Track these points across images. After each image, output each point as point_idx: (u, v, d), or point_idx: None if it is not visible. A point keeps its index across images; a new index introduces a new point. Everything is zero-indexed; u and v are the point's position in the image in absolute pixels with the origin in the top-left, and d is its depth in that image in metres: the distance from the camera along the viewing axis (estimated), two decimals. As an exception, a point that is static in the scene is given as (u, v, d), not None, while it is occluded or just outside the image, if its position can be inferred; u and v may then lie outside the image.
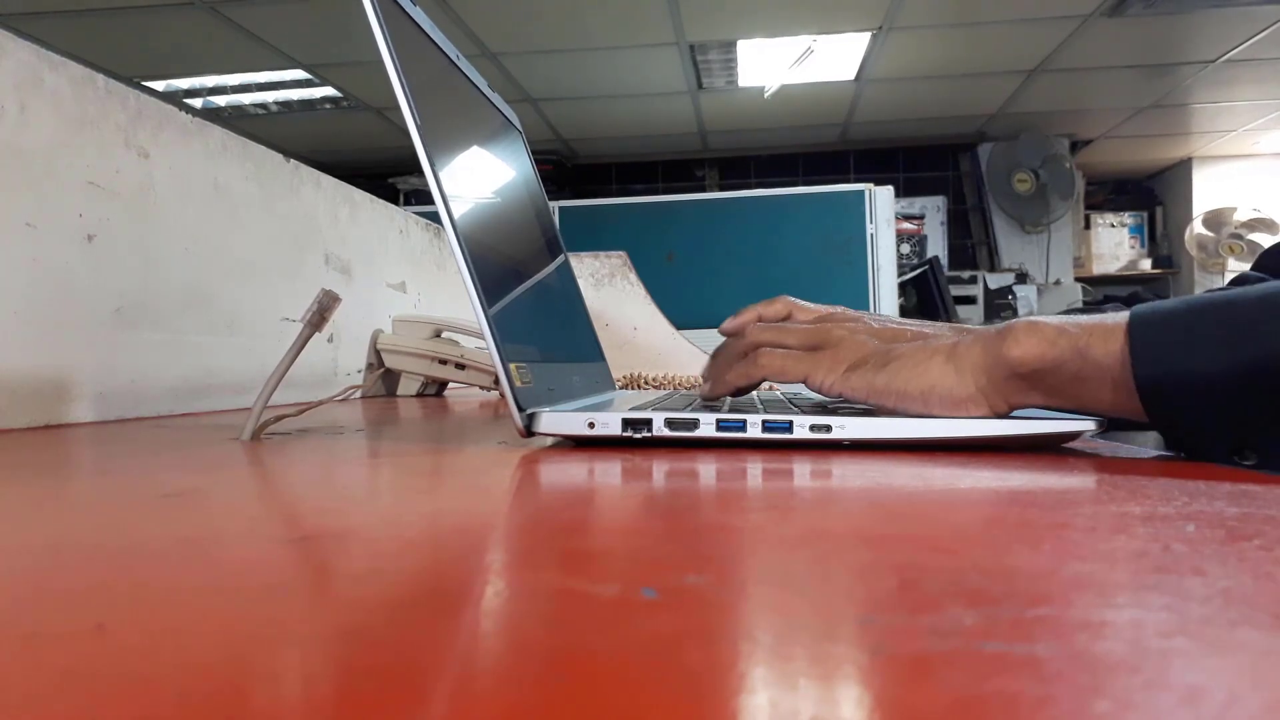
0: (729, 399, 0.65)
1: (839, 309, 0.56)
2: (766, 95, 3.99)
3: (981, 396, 0.44)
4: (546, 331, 0.60)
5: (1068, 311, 0.61)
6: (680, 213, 2.56)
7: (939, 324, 0.51)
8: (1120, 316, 0.41)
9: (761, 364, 0.51)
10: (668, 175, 5.05)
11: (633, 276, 1.79)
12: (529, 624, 0.16)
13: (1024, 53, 3.57)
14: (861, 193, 2.47)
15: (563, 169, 4.82)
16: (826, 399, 0.58)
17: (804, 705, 0.12)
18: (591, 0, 2.99)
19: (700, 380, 0.61)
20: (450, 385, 1.18)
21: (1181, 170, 5.23)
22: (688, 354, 1.70)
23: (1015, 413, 0.45)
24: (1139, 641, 0.15)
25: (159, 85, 3.71)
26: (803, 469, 0.37)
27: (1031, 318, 0.43)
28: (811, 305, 0.58)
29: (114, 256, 0.69)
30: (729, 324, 0.59)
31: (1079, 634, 0.15)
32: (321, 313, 0.49)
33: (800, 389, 0.57)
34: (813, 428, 0.44)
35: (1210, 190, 5.11)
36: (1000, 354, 0.43)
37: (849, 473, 0.36)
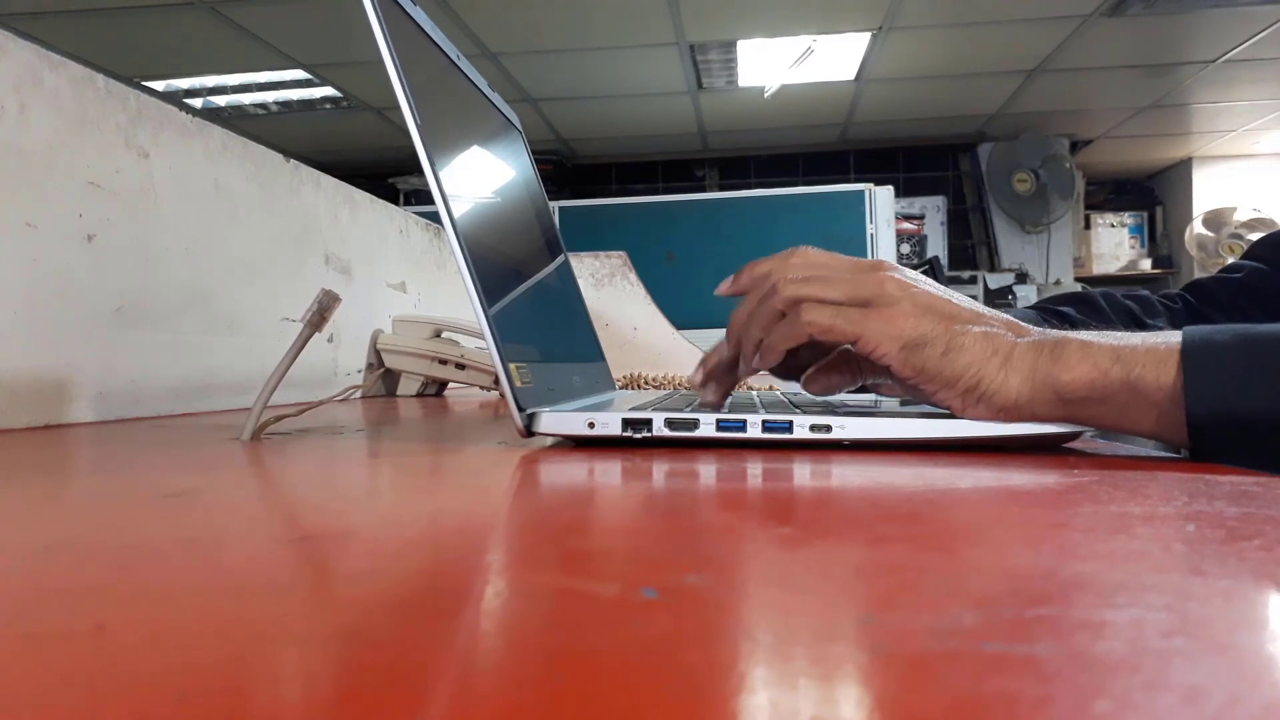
0: (730, 396, 0.65)
1: (883, 260, 0.49)
2: (766, 95, 3.99)
3: (1016, 408, 0.43)
4: (546, 331, 0.60)
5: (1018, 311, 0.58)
6: (680, 213, 2.56)
7: (988, 309, 0.47)
8: (1171, 342, 0.40)
9: (806, 319, 0.45)
10: (668, 175, 5.05)
11: (633, 276, 1.79)
12: (529, 624, 0.16)
13: (1024, 53, 3.57)
14: (861, 193, 2.47)
15: (563, 169, 4.81)
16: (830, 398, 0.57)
17: (804, 705, 0.12)
18: (591, 0, 2.99)
19: (693, 381, 0.55)
20: (450, 385, 1.18)
21: (1181, 170, 5.23)
22: (688, 354, 1.70)
23: None
24: (1139, 641, 0.15)
25: (159, 85, 3.71)
26: (803, 469, 0.37)
27: (1084, 336, 0.42)
28: (833, 255, 0.49)
29: (114, 256, 0.69)
30: (726, 286, 0.51)
31: (1079, 634, 0.15)
32: (321, 313, 0.49)
33: (799, 388, 0.55)
34: (813, 428, 0.44)
35: (1210, 190, 5.11)
36: (1050, 373, 0.41)
37: (849, 473, 0.36)
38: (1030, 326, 0.45)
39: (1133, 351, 0.40)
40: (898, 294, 0.45)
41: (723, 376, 0.53)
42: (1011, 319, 0.46)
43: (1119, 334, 0.43)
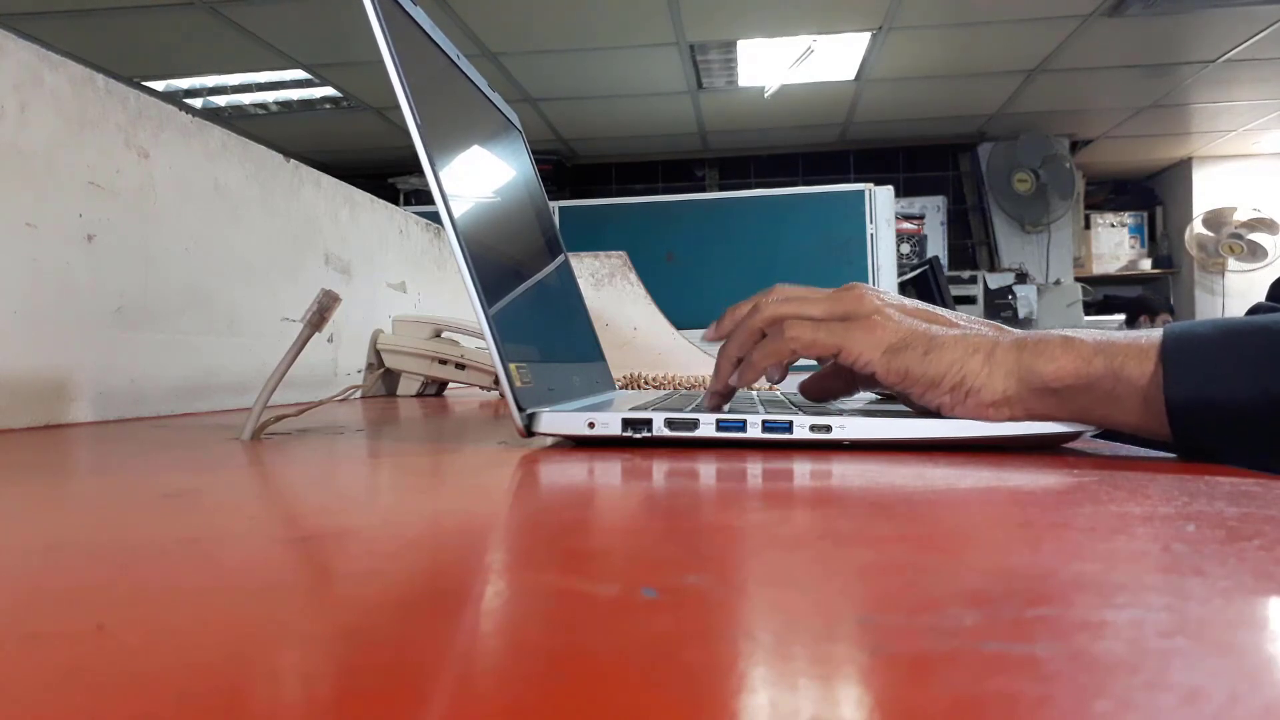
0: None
1: (856, 283, 0.50)
2: (766, 95, 3.99)
3: (1005, 403, 0.43)
4: (546, 331, 0.60)
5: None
6: (680, 213, 2.56)
7: (968, 318, 0.49)
8: (1154, 336, 0.41)
9: (790, 336, 0.47)
10: (668, 175, 5.05)
11: (633, 276, 1.79)
12: (529, 624, 0.16)
13: (1024, 53, 3.57)
14: (861, 193, 2.47)
15: (563, 169, 4.81)
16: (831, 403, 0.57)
17: (804, 705, 0.12)
18: (591, 0, 2.99)
19: (705, 385, 0.58)
20: (450, 385, 1.18)
21: (1181, 170, 5.23)
22: (687, 354, 1.70)
23: None
24: (1139, 641, 0.15)
25: (159, 85, 3.71)
26: (803, 469, 0.37)
27: (1067, 332, 0.43)
28: (810, 288, 0.51)
29: (114, 256, 0.69)
30: (712, 331, 0.53)
31: (1079, 634, 0.15)
32: (321, 313, 0.49)
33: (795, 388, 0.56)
34: (813, 428, 0.44)
35: (1210, 190, 5.11)
36: (1033, 366, 0.42)
37: (849, 473, 0.36)
38: (1015, 331, 0.46)
39: (1115, 345, 0.41)
40: (876, 305, 0.47)
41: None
42: (994, 323, 0.47)
43: (1105, 332, 0.43)
